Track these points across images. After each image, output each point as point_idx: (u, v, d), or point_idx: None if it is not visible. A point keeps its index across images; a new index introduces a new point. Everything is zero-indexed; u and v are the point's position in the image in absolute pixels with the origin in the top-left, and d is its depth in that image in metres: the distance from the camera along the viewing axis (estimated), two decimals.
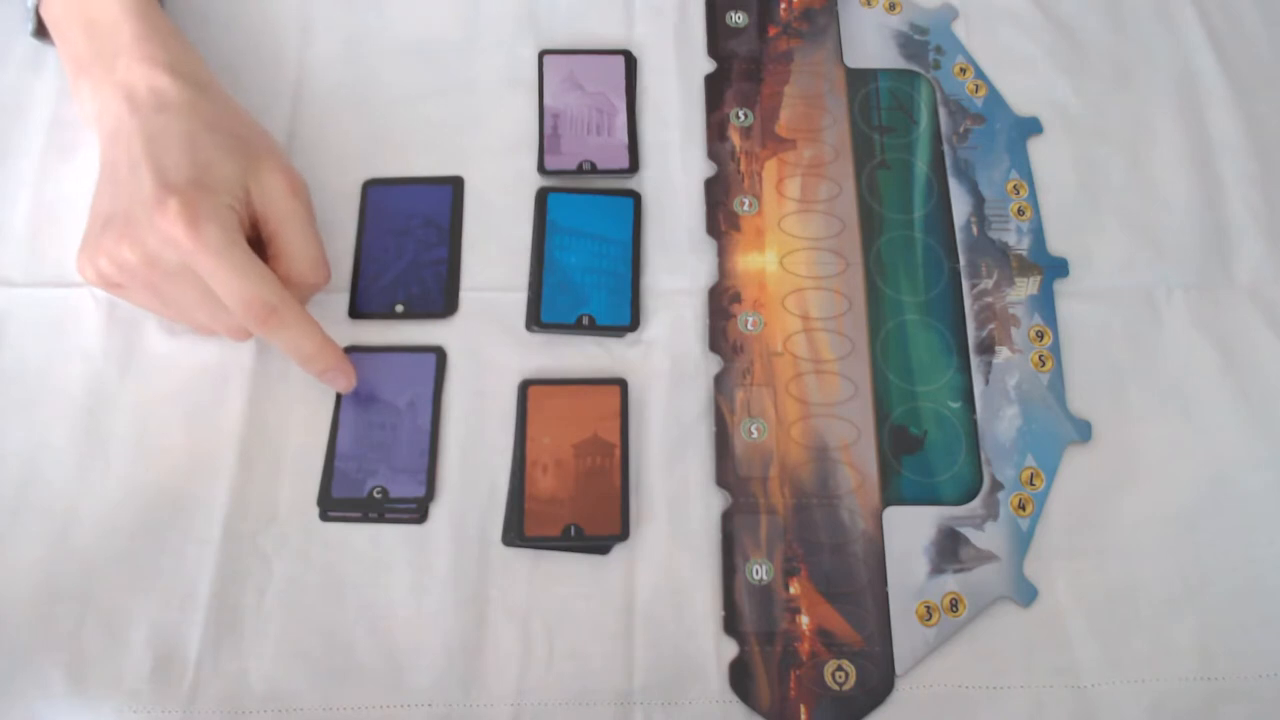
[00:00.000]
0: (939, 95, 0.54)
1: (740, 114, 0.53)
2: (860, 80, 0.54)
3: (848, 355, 0.48)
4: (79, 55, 0.47)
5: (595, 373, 0.47)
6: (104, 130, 0.45)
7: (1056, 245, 0.51)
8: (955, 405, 0.47)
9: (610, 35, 0.55)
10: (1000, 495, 0.46)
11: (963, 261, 0.50)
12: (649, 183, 0.52)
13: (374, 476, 0.45)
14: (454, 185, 0.51)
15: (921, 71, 0.55)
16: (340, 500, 0.45)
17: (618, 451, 0.45)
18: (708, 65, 0.54)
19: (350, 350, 0.47)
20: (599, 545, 0.44)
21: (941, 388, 0.48)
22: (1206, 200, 0.52)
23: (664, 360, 0.48)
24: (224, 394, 0.46)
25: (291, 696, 0.41)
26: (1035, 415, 0.47)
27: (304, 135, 0.52)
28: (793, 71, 0.54)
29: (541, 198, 0.50)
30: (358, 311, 0.48)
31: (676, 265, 0.50)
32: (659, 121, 0.53)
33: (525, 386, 0.47)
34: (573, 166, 0.51)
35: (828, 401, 0.47)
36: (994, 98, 0.54)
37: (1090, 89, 0.55)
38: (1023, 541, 0.45)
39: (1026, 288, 0.50)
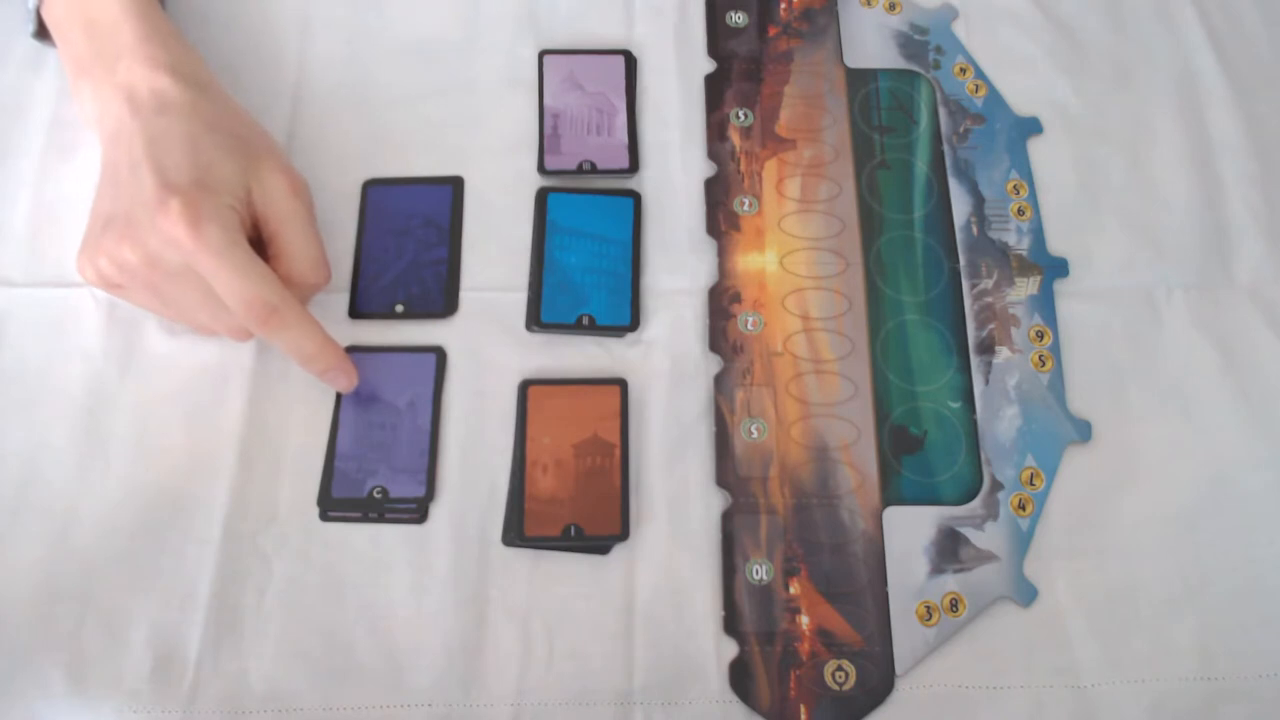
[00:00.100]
0: (939, 95, 0.54)
1: (740, 114, 0.53)
2: (860, 80, 0.54)
3: (848, 355, 0.48)
4: (80, 56, 0.47)
5: (595, 373, 0.47)
6: (105, 131, 0.45)
7: (1056, 245, 0.51)
8: (955, 405, 0.47)
9: (610, 35, 0.55)
10: (1000, 495, 0.46)
11: (963, 261, 0.50)
12: (649, 183, 0.52)
13: (374, 476, 0.45)
14: (454, 185, 0.51)
15: (921, 71, 0.55)
16: (340, 500, 0.45)
17: (618, 451, 0.45)
18: (708, 65, 0.54)
19: (350, 350, 0.47)
20: (599, 545, 0.44)
21: (941, 388, 0.48)
22: (1206, 200, 0.52)
23: (664, 360, 0.48)
24: (224, 394, 0.46)
25: (291, 696, 0.42)
26: (1035, 415, 0.47)
27: (304, 135, 0.52)
28: (793, 71, 0.54)
29: (541, 198, 0.50)
30: (358, 311, 0.48)
31: (676, 265, 0.50)
32: (659, 121, 0.53)
33: (525, 386, 0.47)
34: (573, 166, 0.51)
35: (828, 401, 0.47)
36: (994, 98, 0.54)
37: (1090, 89, 0.55)
38: (1023, 541, 0.45)
39: (1026, 288, 0.50)
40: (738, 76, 0.54)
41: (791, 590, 0.44)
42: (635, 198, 0.51)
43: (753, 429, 0.46)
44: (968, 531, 0.45)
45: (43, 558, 0.43)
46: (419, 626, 0.43)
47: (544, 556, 0.44)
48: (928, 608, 0.43)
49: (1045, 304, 0.49)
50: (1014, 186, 0.52)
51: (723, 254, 0.50)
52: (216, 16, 0.54)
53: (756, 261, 0.50)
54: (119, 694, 0.41)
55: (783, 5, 0.56)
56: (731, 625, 0.43)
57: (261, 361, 0.47)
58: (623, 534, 0.44)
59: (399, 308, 0.48)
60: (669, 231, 0.50)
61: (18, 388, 0.46)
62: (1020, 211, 0.51)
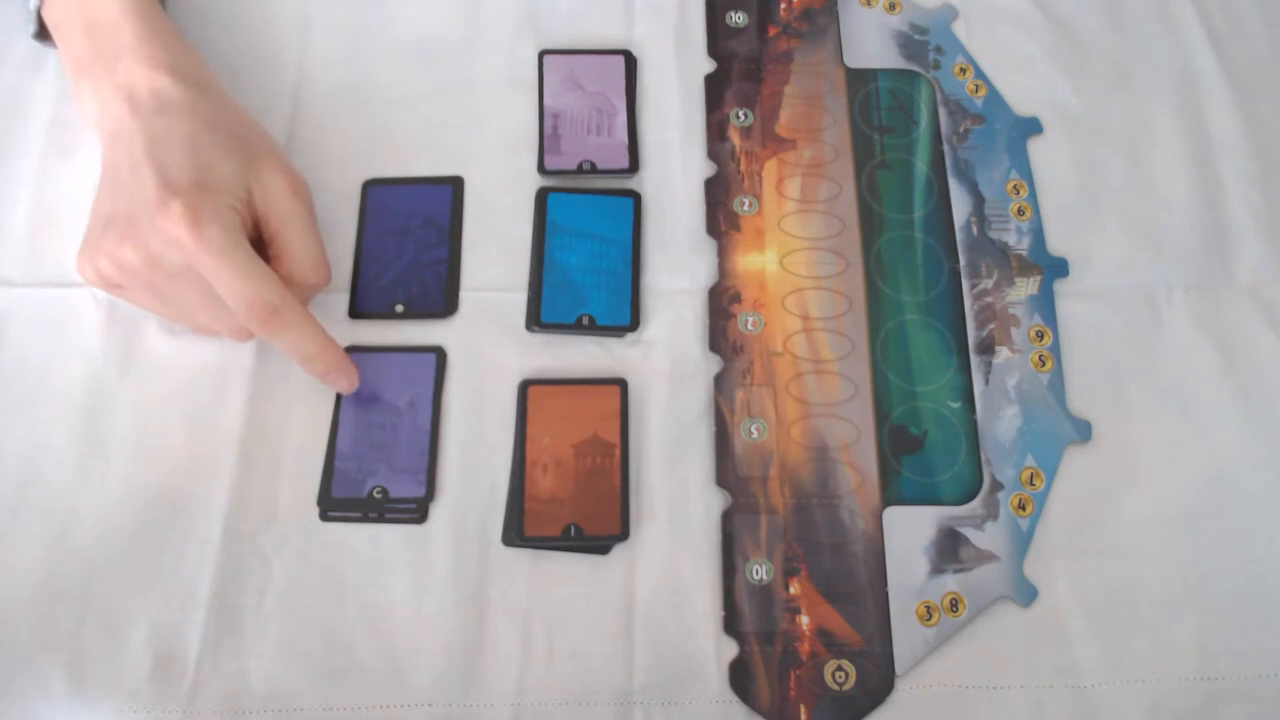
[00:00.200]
0: (939, 95, 0.54)
1: (740, 114, 0.53)
2: (860, 80, 0.54)
3: (848, 355, 0.48)
4: (80, 57, 0.47)
5: (595, 373, 0.47)
6: (105, 131, 0.45)
7: (1056, 245, 0.51)
8: (955, 405, 0.47)
9: (610, 35, 0.55)
10: (1000, 495, 0.46)
11: (963, 261, 0.50)
12: (649, 183, 0.52)
13: (374, 476, 0.45)
14: (454, 185, 0.51)
15: (921, 71, 0.55)
16: (340, 500, 0.45)
17: (618, 451, 0.45)
18: (708, 65, 0.54)
19: (350, 350, 0.47)
20: (599, 545, 0.44)
21: (941, 388, 0.48)
22: (1206, 200, 0.52)
23: (664, 360, 0.48)
24: (224, 394, 0.46)
25: (291, 696, 0.41)
26: (1035, 415, 0.47)
27: (304, 135, 0.52)
28: (793, 71, 0.54)
29: (541, 198, 0.50)
30: (358, 311, 0.48)
31: (676, 265, 0.50)
32: (659, 121, 0.53)
33: (525, 386, 0.47)
34: (573, 166, 0.51)
35: (828, 401, 0.47)
36: (994, 98, 0.54)
37: (1090, 89, 0.55)
38: (1023, 541, 0.45)
39: (1026, 288, 0.50)
40: (738, 76, 0.54)
41: (791, 590, 0.44)
42: (635, 198, 0.51)
43: (753, 429, 0.46)
44: (968, 531, 0.45)
45: (43, 558, 0.43)
46: (419, 626, 0.43)
47: (544, 556, 0.44)
48: (928, 608, 0.43)
49: (1045, 304, 0.49)
50: (1014, 186, 0.52)
51: (723, 254, 0.50)
52: (216, 16, 0.54)
53: (756, 261, 0.50)
54: (119, 694, 0.41)
55: (783, 5, 0.56)
56: (731, 625, 0.43)
57: (261, 361, 0.47)
58: (623, 534, 0.44)
59: (399, 308, 0.48)
60: (669, 231, 0.50)
61: (18, 388, 0.46)
62: (1020, 211, 0.51)
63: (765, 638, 0.43)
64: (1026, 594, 0.44)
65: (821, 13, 0.56)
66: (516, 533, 0.44)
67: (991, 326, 0.49)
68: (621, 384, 0.47)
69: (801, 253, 0.50)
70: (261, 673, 0.42)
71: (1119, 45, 0.56)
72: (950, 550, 0.44)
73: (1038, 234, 0.51)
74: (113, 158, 0.44)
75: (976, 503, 0.45)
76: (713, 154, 0.52)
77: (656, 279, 0.49)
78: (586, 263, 0.49)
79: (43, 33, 0.50)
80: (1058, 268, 0.50)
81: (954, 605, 0.43)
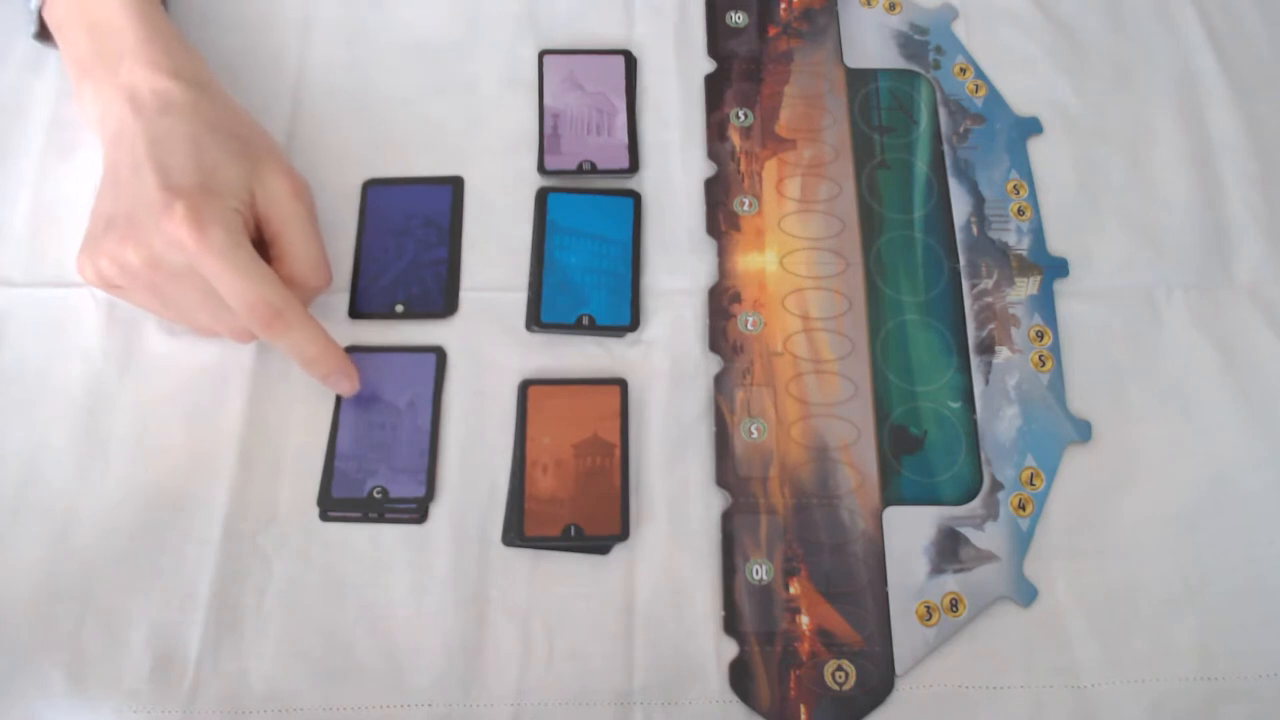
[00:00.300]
0: (939, 95, 0.54)
1: (740, 114, 0.53)
2: (860, 80, 0.54)
3: (848, 355, 0.48)
4: (81, 57, 0.47)
5: (595, 373, 0.47)
6: (106, 132, 0.45)
7: (1056, 245, 0.51)
8: (955, 405, 0.47)
9: (610, 35, 0.55)
10: (1000, 495, 0.46)
11: (963, 261, 0.50)
12: (649, 183, 0.52)
13: (374, 476, 0.45)
14: (454, 185, 0.51)
15: (921, 71, 0.55)
16: (340, 500, 0.45)
17: (618, 451, 0.45)
18: (708, 65, 0.54)
19: (350, 350, 0.47)
20: (599, 545, 0.44)
21: (941, 388, 0.48)
22: (1206, 200, 0.52)
23: (664, 360, 0.48)
24: (224, 394, 0.46)
25: (291, 696, 0.42)
26: (1035, 415, 0.47)
27: (304, 135, 0.52)
28: (793, 71, 0.54)
29: (541, 198, 0.50)
30: (358, 311, 0.48)
31: (676, 265, 0.50)
32: (659, 121, 0.53)
33: (525, 386, 0.47)
34: (573, 166, 0.51)
35: (828, 401, 0.47)
36: (994, 98, 0.54)
37: (1090, 89, 0.55)
38: (1023, 541, 0.45)
39: (1026, 288, 0.50)
40: (738, 76, 0.54)
41: (791, 590, 0.44)
42: (635, 198, 0.51)
43: (753, 429, 0.46)
44: (968, 531, 0.45)
45: (43, 558, 0.43)
46: (419, 626, 0.43)
47: (544, 556, 0.44)
48: (928, 608, 0.43)
49: (1045, 304, 0.49)
50: (1014, 186, 0.52)
51: (723, 254, 0.50)
52: (217, 17, 0.54)
53: (756, 261, 0.50)
54: (119, 694, 0.41)
55: (783, 5, 0.56)
56: (731, 625, 0.43)
57: (261, 361, 0.47)
58: (623, 534, 0.44)
59: (399, 308, 0.48)
60: (669, 231, 0.50)
61: (18, 388, 0.46)
62: (1020, 211, 0.51)
63: (765, 638, 0.43)
64: (1026, 594, 0.44)
65: (821, 13, 0.56)
66: (516, 533, 0.44)
67: (991, 326, 0.49)
68: (621, 384, 0.47)
69: (801, 253, 0.50)
70: (261, 673, 0.42)
71: (1119, 45, 0.56)
72: (950, 550, 0.44)
73: (1038, 234, 0.51)
74: (114, 158, 0.44)
75: (976, 503, 0.45)
76: (713, 154, 0.52)
77: (656, 279, 0.49)
78: (586, 263, 0.49)
79: (44, 33, 0.50)
80: (1058, 268, 0.50)
81: (954, 605, 0.43)
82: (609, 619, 0.43)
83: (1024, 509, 0.45)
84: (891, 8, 0.56)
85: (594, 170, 0.51)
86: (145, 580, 0.43)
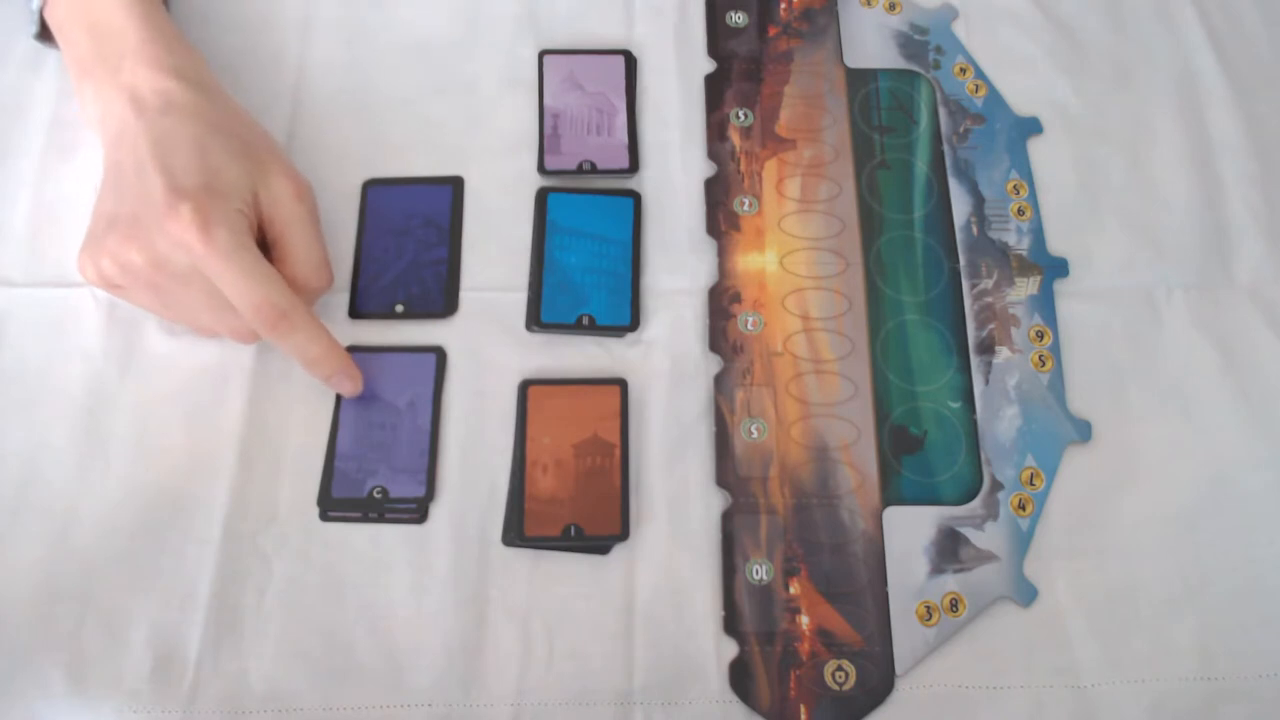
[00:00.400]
0: (939, 95, 0.54)
1: (740, 114, 0.53)
2: (860, 80, 0.54)
3: (848, 355, 0.48)
4: (83, 58, 0.47)
5: (595, 373, 0.47)
6: (108, 132, 0.45)
7: (1056, 245, 0.51)
8: (955, 405, 0.47)
9: (610, 35, 0.55)
10: (1000, 495, 0.46)
11: (963, 261, 0.50)
12: (649, 183, 0.52)
13: (374, 476, 0.45)
14: (454, 185, 0.51)
15: (921, 71, 0.55)
16: (340, 500, 0.45)
17: (618, 451, 0.45)
18: (708, 65, 0.54)
19: (350, 350, 0.47)
20: (599, 545, 0.44)
21: (941, 388, 0.48)
22: (1206, 200, 0.52)
23: (664, 360, 0.48)
24: (224, 394, 0.46)
25: (291, 696, 0.41)
26: (1035, 415, 0.47)
27: (304, 135, 0.52)
28: (793, 71, 0.54)
29: (541, 198, 0.50)
30: (358, 311, 0.48)
31: (676, 265, 0.50)
32: (659, 121, 0.53)
33: (525, 386, 0.47)
34: (573, 166, 0.51)
35: (828, 401, 0.47)
36: (994, 98, 0.54)
37: (1090, 89, 0.55)
38: (1023, 541, 0.45)
39: (1026, 288, 0.50)
40: (738, 76, 0.54)
41: (791, 590, 0.44)
42: (635, 198, 0.51)
43: (753, 429, 0.46)
44: (968, 531, 0.45)
45: (43, 558, 0.43)
46: (419, 626, 0.43)
47: (544, 556, 0.44)
48: (928, 608, 0.43)
49: (1045, 304, 0.49)
50: (1014, 186, 0.52)
51: (723, 254, 0.50)
52: (217, 17, 0.54)
53: (756, 261, 0.50)
54: (119, 694, 0.41)
55: (783, 5, 0.56)
56: (731, 625, 0.43)
57: (261, 361, 0.47)
58: (623, 534, 0.44)
59: (399, 308, 0.48)
60: (669, 231, 0.50)
61: (18, 388, 0.46)
62: (1020, 211, 0.51)
63: (765, 638, 0.43)
64: (1026, 594, 0.44)
65: (821, 13, 0.56)
66: (516, 533, 0.44)
67: (991, 326, 0.49)
68: (621, 384, 0.47)
69: (801, 253, 0.50)
70: (261, 673, 0.42)
71: (1119, 45, 0.56)
72: (950, 550, 0.44)
73: (1038, 234, 0.51)
74: (116, 158, 0.44)
75: (976, 503, 0.45)
76: (713, 154, 0.52)
77: (656, 279, 0.49)
78: (586, 263, 0.49)
79: (44, 34, 0.50)
80: (1058, 268, 0.50)
81: (954, 605, 0.43)
82: (609, 619, 0.43)
83: (1024, 509, 0.45)
84: (891, 8, 0.56)
85: (594, 170, 0.51)
86: (145, 580, 0.43)
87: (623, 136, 0.52)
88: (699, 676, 0.42)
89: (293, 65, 0.53)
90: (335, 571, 0.44)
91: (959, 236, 0.51)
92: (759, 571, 0.44)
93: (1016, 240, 0.51)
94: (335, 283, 0.48)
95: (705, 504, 0.45)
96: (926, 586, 0.44)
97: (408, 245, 0.50)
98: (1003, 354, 0.48)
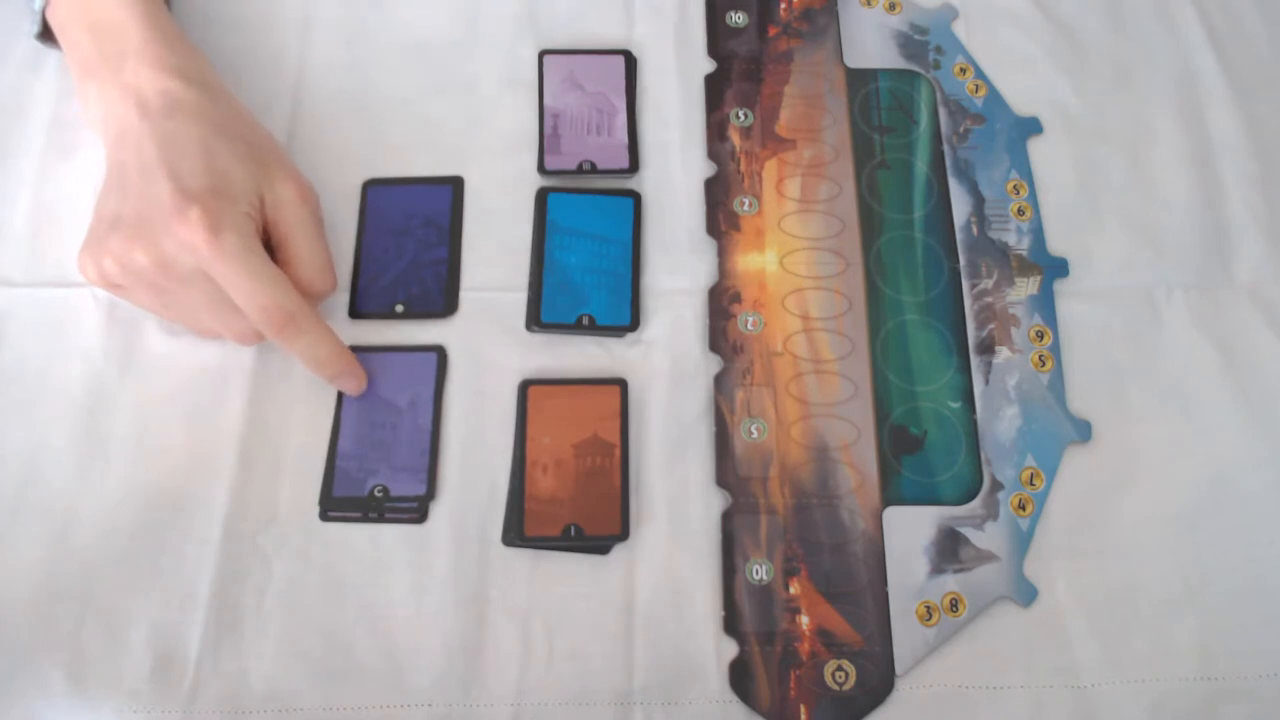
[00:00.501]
0: (939, 95, 0.54)
1: (740, 114, 0.53)
2: (860, 80, 0.54)
3: (848, 355, 0.48)
4: (85, 58, 0.47)
5: (595, 373, 0.47)
6: (110, 133, 0.45)
7: (1056, 245, 0.51)
8: (955, 405, 0.47)
9: (610, 35, 0.55)
10: (1000, 495, 0.46)
11: (963, 261, 0.50)
12: (649, 183, 0.52)
13: (375, 475, 0.45)
14: (454, 185, 0.51)
15: (921, 71, 0.55)
16: (341, 499, 0.45)
17: (618, 451, 0.45)
18: (708, 65, 0.54)
19: (351, 350, 0.47)
20: (599, 545, 0.44)
21: (941, 388, 0.48)
22: (1206, 200, 0.52)
23: (664, 360, 0.48)
24: (224, 394, 0.46)
25: (291, 696, 0.41)
26: (1035, 415, 0.47)
27: (304, 135, 0.52)
28: (793, 71, 0.54)
29: (541, 198, 0.50)
30: (358, 311, 0.48)
31: (676, 265, 0.50)
32: (659, 121, 0.53)
33: (525, 386, 0.47)
34: (573, 166, 0.51)
35: (828, 401, 0.47)
36: (994, 98, 0.54)
37: (1090, 89, 0.55)
38: (1023, 541, 0.45)
39: (1026, 288, 0.50)
40: (738, 76, 0.54)
41: (791, 590, 0.44)
42: (635, 198, 0.51)
43: (753, 429, 0.46)
44: (968, 531, 0.45)
45: (43, 558, 0.43)
46: (419, 626, 0.43)
47: (544, 556, 0.44)
48: (928, 608, 0.43)
49: (1045, 304, 0.49)
50: (1014, 186, 0.52)
51: (723, 254, 0.50)
52: (218, 17, 0.54)
53: (756, 261, 0.50)
54: (119, 694, 0.41)
55: (783, 5, 0.56)
56: (731, 625, 0.43)
57: (261, 361, 0.47)
58: (623, 534, 0.44)
59: (399, 308, 0.48)
60: (669, 231, 0.50)
61: (18, 388, 0.46)
62: (1020, 211, 0.51)
63: (765, 638, 0.43)
64: (1026, 594, 0.44)
65: (821, 13, 0.56)
66: (516, 533, 0.44)
67: (991, 326, 0.49)
68: (621, 384, 0.47)
69: (801, 253, 0.50)
70: (261, 673, 0.42)
71: (1119, 45, 0.56)
72: (950, 550, 0.44)
73: (1038, 234, 0.51)
74: (119, 159, 0.44)
75: (976, 503, 0.45)
76: (713, 154, 0.52)
77: (656, 279, 0.49)
78: (586, 263, 0.49)
79: (46, 34, 0.50)
80: (1058, 268, 0.50)
81: (954, 605, 0.43)
82: (609, 619, 0.43)
83: (1024, 509, 0.45)
84: (891, 8, 0.56)
85: (594, 170, 0.51)
86: (145, 580, 0.43)
87: (623, 136, 0.52)
88: (699, 676, 0.42)
89: (293, 65, 0.53)
90: (335, 571, 0.44)
91: (959, 236, 0.51)
92: (759, 571, 0.44)
93: (1016, 240, 0.51)
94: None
95: (705, 504, 0.45)
96: (926, 586, 0.44)
97: (408, 245, 0.50)
98: (1003, 354, 0.48)
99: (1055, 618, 0.44)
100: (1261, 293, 0.50)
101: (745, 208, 0.51)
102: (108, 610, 0.42)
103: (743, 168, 0.52)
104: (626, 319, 0.48)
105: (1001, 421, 0.47)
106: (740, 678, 0.42)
